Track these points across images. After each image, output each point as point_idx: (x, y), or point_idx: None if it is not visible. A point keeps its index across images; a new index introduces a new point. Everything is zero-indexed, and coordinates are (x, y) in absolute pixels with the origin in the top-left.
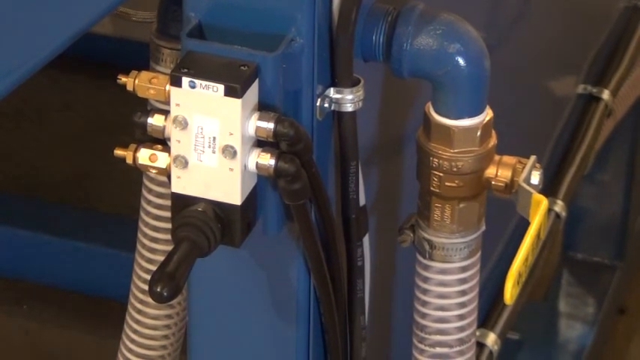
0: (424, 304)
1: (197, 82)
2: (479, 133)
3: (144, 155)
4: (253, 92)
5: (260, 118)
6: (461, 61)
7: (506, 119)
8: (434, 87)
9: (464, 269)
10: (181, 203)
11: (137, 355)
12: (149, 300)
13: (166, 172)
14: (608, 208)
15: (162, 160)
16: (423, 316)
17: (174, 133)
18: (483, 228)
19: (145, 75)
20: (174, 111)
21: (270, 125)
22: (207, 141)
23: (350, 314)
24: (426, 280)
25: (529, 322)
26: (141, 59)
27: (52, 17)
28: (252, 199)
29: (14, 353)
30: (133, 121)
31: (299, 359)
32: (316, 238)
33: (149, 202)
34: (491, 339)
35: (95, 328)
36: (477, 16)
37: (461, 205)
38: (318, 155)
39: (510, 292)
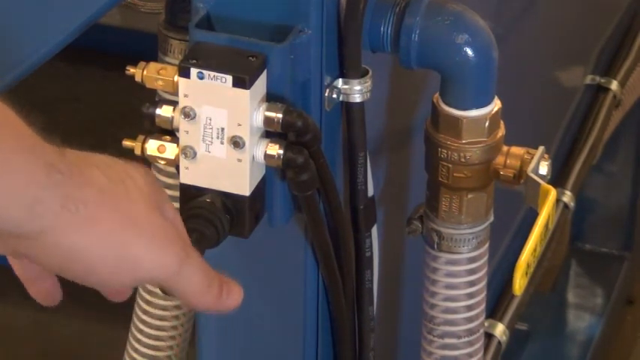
0: (432, 294)
1: (205, 73)
2: (487, 124)
3: (152, 146)
4: (261, 83)
5: (268, 109)
6: (469, 51)
7: (514, 110)
8: (442, 78)
9: (472, 260)
10: (190, 194)
11: (146, 345)
12: (157, 291)
13: (175, 163)
14: (617, 198)
15: (170, 151)
16: (432, 306)
17: (182, 124)
18: (491, 219)
19: (153, 66)
20: (182, 102)
21: (279, 116)
22: (215, 132)
23: (358, 305)
24: (434, 270)
25: (537, 313)
26: (149, 50)
27: (61, 8)
28: (261, 190)
29: (24, 344)
30: (141, 112)
31: (307, 350)
32: (324, 228)
33: None
34: (499, 330)
35: (104, 318)
36: (485, 7)
37: (469, 196)
38: (327, 146)
39: (519, 282)
